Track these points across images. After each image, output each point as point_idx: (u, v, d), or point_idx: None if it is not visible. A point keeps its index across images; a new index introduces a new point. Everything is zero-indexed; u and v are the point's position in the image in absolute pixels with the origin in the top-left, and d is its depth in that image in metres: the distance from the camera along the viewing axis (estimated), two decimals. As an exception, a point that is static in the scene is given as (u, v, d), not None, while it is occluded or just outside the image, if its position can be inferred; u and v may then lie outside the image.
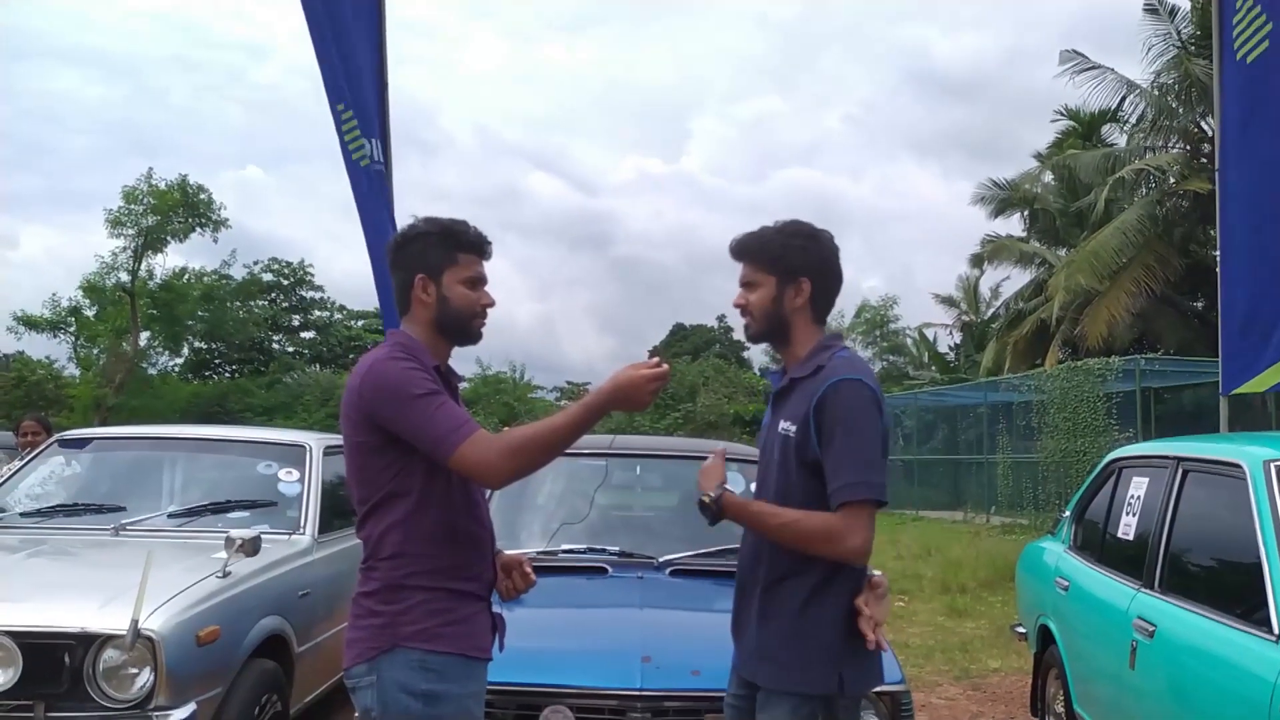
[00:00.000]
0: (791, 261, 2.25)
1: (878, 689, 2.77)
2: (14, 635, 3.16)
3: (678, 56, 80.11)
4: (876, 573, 2.29)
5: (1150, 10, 17.98)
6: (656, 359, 2.14)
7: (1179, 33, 17.88)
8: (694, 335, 45.58)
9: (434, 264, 2.25)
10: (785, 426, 2.21)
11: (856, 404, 2.11)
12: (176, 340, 35.79)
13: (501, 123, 78.78)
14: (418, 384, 2.12)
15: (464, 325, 2.29)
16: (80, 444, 5.01)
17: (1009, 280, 25.81)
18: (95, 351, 34.44)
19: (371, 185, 5.66)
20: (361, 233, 5.67)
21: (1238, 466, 3.06)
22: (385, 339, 2.31)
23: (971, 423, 20.27)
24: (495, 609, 2.34)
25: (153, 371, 35.85)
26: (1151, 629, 3.18)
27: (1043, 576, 4.62)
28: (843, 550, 2.08)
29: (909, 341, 34.47)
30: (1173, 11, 17.95)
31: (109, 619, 3.18)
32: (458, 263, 2.26)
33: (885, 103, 71.56)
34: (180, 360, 37.99)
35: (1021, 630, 5.02)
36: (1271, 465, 2.92)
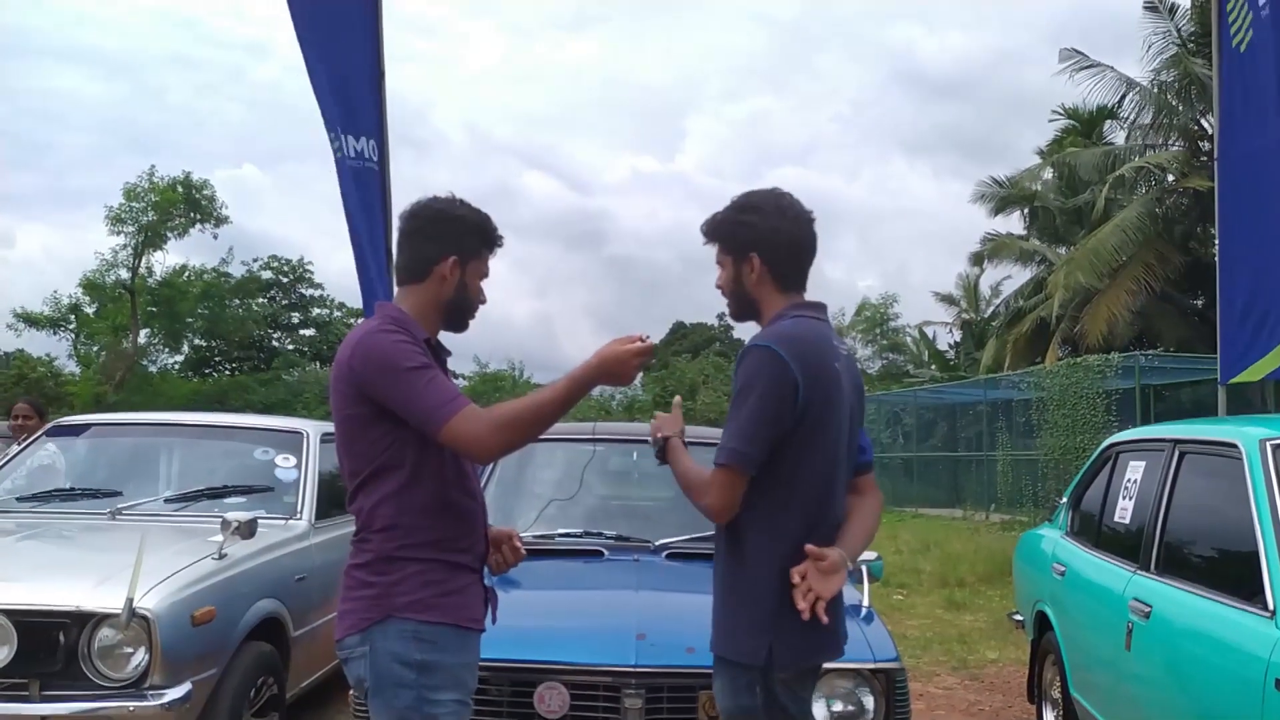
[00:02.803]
0: (740, 239, 2.24)
1: (872, 666, 2.79)
2: (9, 614, 3.16)
3: (673, 56, 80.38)
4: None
5: (1150, 8, 18.00)
6: (642, 335, 2.14)
7: (1179, 31, 17.89)
8: (694, 333, 45.59)
9: (467, 250, 2.27)
10: None
11: (749, 370, 2.11)
12: (176, 338, 35.86)
13: (496, 120, 79.02)
14: (409, 357, 2.12)
15: (468, 315, 2.34)
16: (77, 431, 5.01)
17: (1009, 279, 25.88)
18: (95, 349, 34.47)
19: (357, 181, 5.67)
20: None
21: (1234, 446, 3.05)
22: (374, 312, 2.31)
23: (971, 420, 20.28)
24: (486, 583, 2.34)
25: (153, 369, 35.89)
26: (1147, 610, 3.17)
27: (1039, 563, 4.62)
28: (699, 507, 2.19)
29: (909, 340, 34.50)
30: (1173, 10, 17.96)
31: (104, 598, 3.17)
32: (481, 257, 2.31)
33: (877, 102, 71.83)
34: (180, 358, 38.08)
35: (1019, 618, 5.02)
36: (1268, 444, 2.91)
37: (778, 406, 2.07)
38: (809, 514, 2.15)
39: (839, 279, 50.77)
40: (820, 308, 2.28)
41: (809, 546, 2.08)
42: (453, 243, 2.25)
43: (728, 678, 2.16)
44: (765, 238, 2.23)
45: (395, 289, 2.42)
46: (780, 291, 2.25)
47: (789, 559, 2.10)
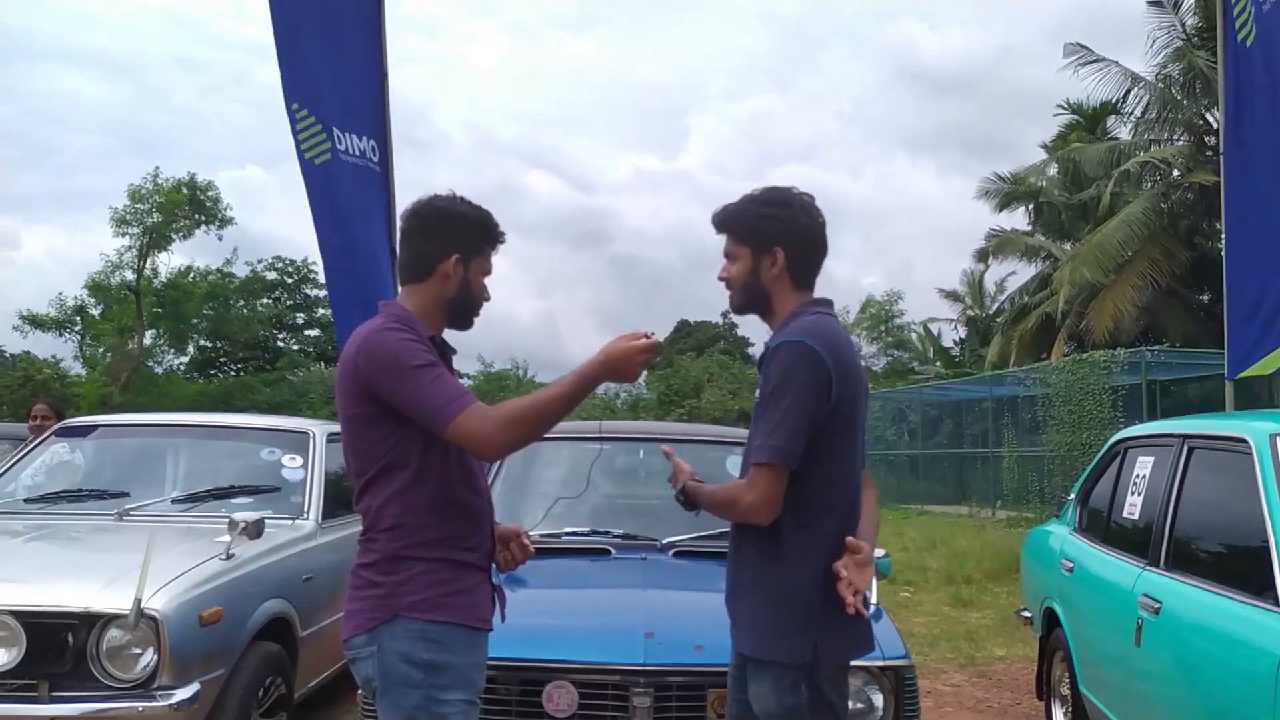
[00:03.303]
0: (765, 232, 2.23)
1: (881, 664, 2.78)
2: (18, 615, 3.17)
3: (676, 55, 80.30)
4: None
5: (1154, 3, 17.92)
6: (647, 331, 2.14)
7: (1183, 25, 17.83)
8: (698, 331, 45.50)
9: (469, 248, 2.27)
10: (757, 394, 2.23)
11: (785, 365, 2.10)
12: (181, 339, 35.93)
13: (498, 120, 78.96)
14: (414, 355, 2.11)
15: (472, 312, 2.34)
16: (84, 431, 5.02)
17: (1014, 275, 25.83)
18: (101, 350, 34.52)
19: (334, 177, 5.52)
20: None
21: (1243, 441, 3.04)
22: (378, 311, 2.30)
23: (977, 417, 20.23)
24: (494, 581, 2.33)
25: (158, 370, 35.95)
26: (1157, 606, 3.16)
27: (1047, 560, 4.61)
28: (741, 510, 2.14)
29: (914, 337, 34.46)
30: (1177, 4, 17.89)
31: (112, 599, 3.18)
32: (484, 254, 2.31)
33: (880, 100, 71.78)
34: (185, 359, 38.14)
35: (1027, 615, 5.01)
36: (1277, 439, 2.90)
37: (815, 401, 2.08)
38: (843, 510, 2.17)
39: (844, 276, 50.81)
40: (831, 305, 2.30)
41: (849, 539, 2.09)
42: (455, 240, 2.25)
43: (771, 679, 2.14)
44: (792, 233, 2.23)
45: (399, 288, 2.42)
46: (794, 289, 2.26)
47: (827, 555, 2.10)
